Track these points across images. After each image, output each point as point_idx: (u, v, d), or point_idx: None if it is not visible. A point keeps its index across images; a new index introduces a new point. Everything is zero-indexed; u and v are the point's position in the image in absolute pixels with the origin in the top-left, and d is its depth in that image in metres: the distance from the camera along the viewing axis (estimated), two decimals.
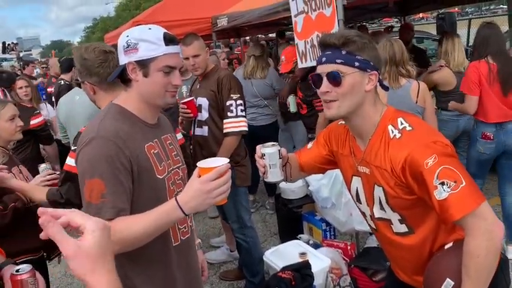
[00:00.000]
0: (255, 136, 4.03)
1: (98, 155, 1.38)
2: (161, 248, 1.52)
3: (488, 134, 3.17)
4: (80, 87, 2.98)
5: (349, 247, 3.25)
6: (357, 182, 1.60)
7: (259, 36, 10.48)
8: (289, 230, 3.74)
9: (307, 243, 3.24)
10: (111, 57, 1.94)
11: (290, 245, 3.09)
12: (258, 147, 1.58)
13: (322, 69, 1.43)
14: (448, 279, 1.36)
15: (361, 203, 1.62)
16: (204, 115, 3.02)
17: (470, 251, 1.30)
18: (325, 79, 1.42)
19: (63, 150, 3.52)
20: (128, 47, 1.46)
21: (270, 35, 10.60)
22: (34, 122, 3.76)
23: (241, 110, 2.96)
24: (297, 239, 3.32)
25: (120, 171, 1.38)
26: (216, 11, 5.88)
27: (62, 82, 5.38)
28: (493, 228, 1.28)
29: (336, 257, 3.07)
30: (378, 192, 1.48)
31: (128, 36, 1.47)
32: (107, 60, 1.93)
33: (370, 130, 1.47)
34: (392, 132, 1.41)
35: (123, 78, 1.53)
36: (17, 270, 1.20)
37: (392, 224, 1.51)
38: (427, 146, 1.33)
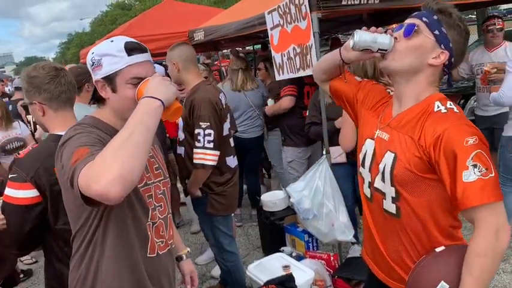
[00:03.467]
0: (242, 149, 4.04)
1: (78, 136, 1.32)
2: (135, 254, 1.47)
3: None
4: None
5: (332, 258, 3.25)
6: (369, 145, 1.58)
7: (238, 49, 10.53)
8: (272, 242, 3.73)
9: (290, 255, 3.22)
10: (62, 74, 1.86)
11: (273, 258, 3.07)
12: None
13: (408, 20, 1.45)
14: (442, 282, 1.31)
15: (364, 168, 1.61)
16: (181, 135, 2.89)
17: (477, 248, 1.25)
18: (403, 27, 1.43)
19: None
20: (93, 65, 1.41)
21: (247, 47, 10.65)
22: None
23: (209, 141, 2.64)
24: (280, 251, 3.30)
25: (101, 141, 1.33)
26: (193, 25, 5.87)
27: None
28: (504, 229, 1.25)
29: (320, 269, 3.06)
30: (388, 158, 1.45)
31: (93, 53, 1.41)
32: (58, 76, 1.84)
33: (411, 101, 1.46)
34: (439, 107, 1.39)
35: (98, 98, 1.47)
36: None
37: (384, 199, 1.50)
38: (469, 126, 1.31)
